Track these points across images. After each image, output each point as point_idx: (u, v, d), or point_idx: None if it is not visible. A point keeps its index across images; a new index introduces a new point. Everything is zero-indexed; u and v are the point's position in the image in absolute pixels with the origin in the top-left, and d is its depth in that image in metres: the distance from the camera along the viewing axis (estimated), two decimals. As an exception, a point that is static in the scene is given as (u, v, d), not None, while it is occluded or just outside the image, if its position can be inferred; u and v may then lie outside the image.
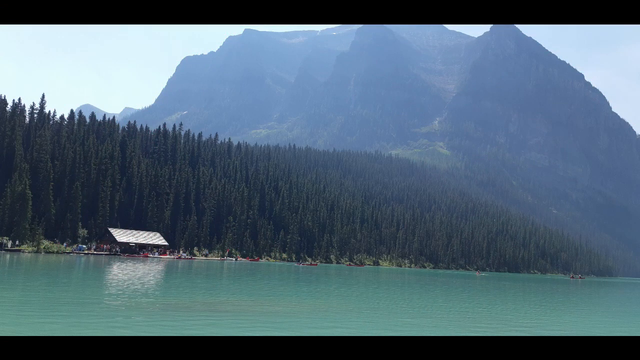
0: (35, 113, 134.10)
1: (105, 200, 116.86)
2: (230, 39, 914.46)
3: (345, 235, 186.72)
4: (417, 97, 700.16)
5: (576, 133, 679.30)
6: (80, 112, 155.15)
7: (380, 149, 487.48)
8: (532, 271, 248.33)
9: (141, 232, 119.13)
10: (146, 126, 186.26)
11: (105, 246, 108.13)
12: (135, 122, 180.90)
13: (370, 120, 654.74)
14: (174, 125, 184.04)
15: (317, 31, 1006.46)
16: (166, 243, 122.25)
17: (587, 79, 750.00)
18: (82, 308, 20.75)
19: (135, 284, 36.00)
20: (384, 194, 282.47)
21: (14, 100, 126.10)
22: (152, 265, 68.97)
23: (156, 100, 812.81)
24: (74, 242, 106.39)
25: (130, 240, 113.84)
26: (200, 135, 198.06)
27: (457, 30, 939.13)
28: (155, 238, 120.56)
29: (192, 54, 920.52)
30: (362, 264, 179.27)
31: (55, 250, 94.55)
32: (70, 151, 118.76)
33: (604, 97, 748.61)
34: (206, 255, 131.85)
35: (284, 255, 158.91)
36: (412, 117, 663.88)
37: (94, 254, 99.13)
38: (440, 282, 74.08)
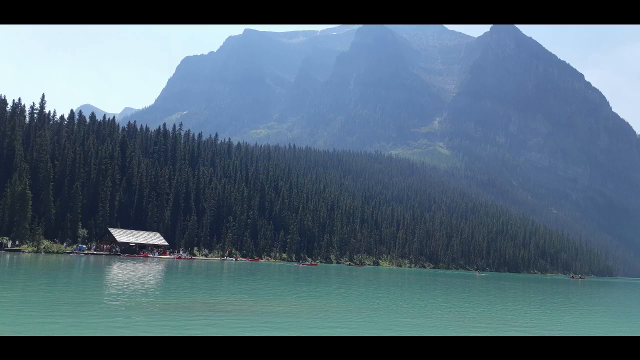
0: (35, 113, 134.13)
1: (105, 200, 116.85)
2: (230, 39, 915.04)
3: (345, 235, 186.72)
4: (417, 97, 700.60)
5: (576, 133, 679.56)
6: (80, 112, 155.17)
7: (380, 149, 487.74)
8: (532, 271, 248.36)
9: (141, 232, 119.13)
10: (146, 126, 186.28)
11: (105, 246, 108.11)
12: (135, 122, 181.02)
13: (370, 120, 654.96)
14: (174, 125, 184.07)
15: (317, 31, 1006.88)
16: (166, 243, 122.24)
17: (587, 79, 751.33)
18: (82, 308, 20.74)
19: (135, 284, 36.00)
20: (384, 194, 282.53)
21: (14, 100, 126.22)
22: (152, 265, 68.96)
23: (156, 100, 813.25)
24: (74, 242, 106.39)
25: (130, 240, 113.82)
26: (200, 135, 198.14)
27: (457, 30, 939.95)
28: (155, 238, 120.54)
29: (192, 54, 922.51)
30: (362, 264, 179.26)
31: (55, 250, 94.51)
32: (70, 151, 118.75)
33: (604, 97, 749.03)
34: (206, 255, 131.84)
35: (284, 255, 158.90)
36: (412, 117, 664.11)
37: (94, 254, 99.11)
38: (440, 282, 74.08)
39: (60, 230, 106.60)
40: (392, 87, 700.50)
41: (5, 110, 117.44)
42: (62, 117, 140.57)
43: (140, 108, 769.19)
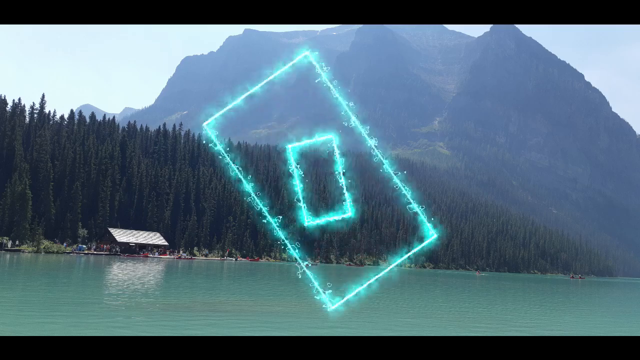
0: (35, 113, 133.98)
1: (105, 200, 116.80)
2: (230, 39, 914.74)
3: (345, 235, 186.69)
4: (417, 97, 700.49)
5: (576, 133, 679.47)
6: (80, 112, 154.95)
7: (380, 149, 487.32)
8: (532, 271, 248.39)
9: (141, 232, 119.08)
10: (146, 126, 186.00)
11: (105, 246, 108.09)
12: (135, 122, 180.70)
13: (370, 120, 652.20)
14: (174, 125, 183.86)
15: (317, 31, 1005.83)
16: (166, 243, 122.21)
17: (587, 79, 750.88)
18: (82, 308, 20.74)
19: (135, 284, 36.00)
20: (384, 194, 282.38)
21: (14, 100, 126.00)
22: (152, 265, 68.95)
23: (156, 100, 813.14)
24: (74, 242, 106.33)
25: (130, 240, 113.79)
26: (200, 135, 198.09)
27: (457, 30, 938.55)
28: (155, 238, 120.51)
29: (192, 54, 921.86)
30: (362, 264, 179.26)
31: (55, 250, 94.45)
32: (70, 151, 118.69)
33: (604, 97, 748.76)
34: (206, 255, 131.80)
35: (284, 255, 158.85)
36: (412, 117, 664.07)
37: (94, 254, 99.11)
38: (440, 282, 74.08)
39: (60, 230, 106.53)
40: (392, 87, 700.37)
41: (5, 110, 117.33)
42: (62, 117, 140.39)
43: (140, 108, 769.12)
